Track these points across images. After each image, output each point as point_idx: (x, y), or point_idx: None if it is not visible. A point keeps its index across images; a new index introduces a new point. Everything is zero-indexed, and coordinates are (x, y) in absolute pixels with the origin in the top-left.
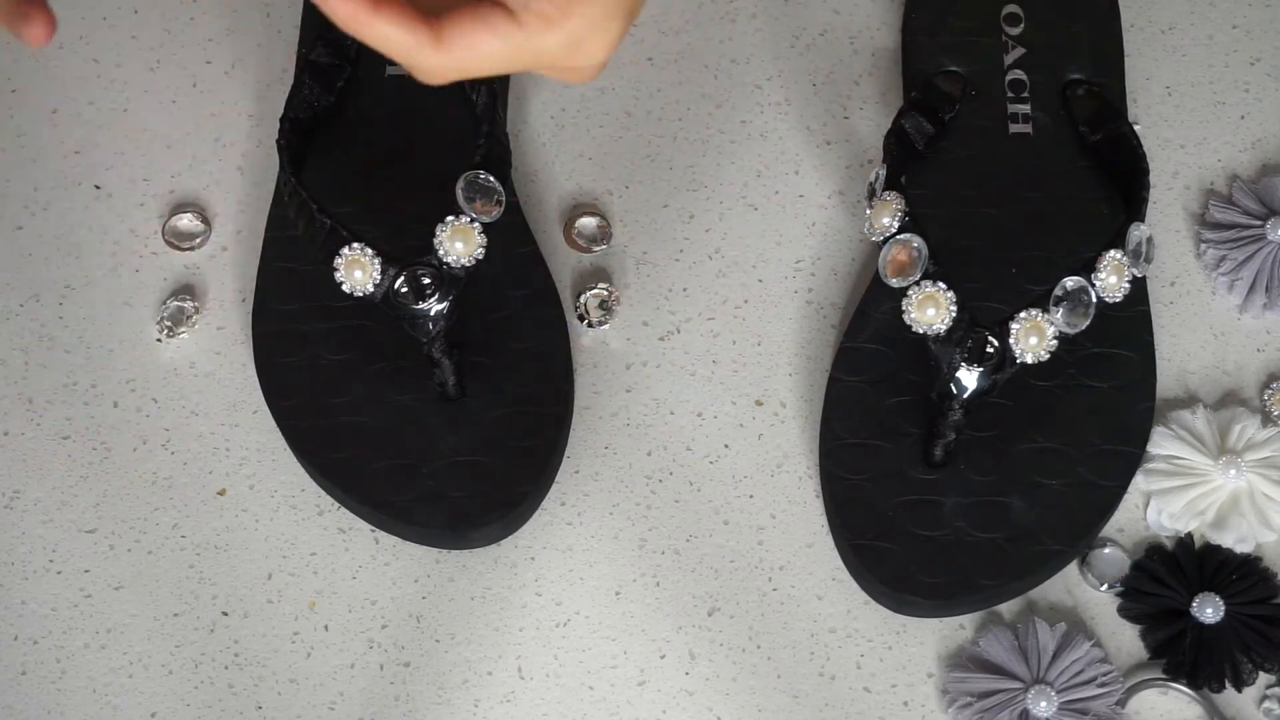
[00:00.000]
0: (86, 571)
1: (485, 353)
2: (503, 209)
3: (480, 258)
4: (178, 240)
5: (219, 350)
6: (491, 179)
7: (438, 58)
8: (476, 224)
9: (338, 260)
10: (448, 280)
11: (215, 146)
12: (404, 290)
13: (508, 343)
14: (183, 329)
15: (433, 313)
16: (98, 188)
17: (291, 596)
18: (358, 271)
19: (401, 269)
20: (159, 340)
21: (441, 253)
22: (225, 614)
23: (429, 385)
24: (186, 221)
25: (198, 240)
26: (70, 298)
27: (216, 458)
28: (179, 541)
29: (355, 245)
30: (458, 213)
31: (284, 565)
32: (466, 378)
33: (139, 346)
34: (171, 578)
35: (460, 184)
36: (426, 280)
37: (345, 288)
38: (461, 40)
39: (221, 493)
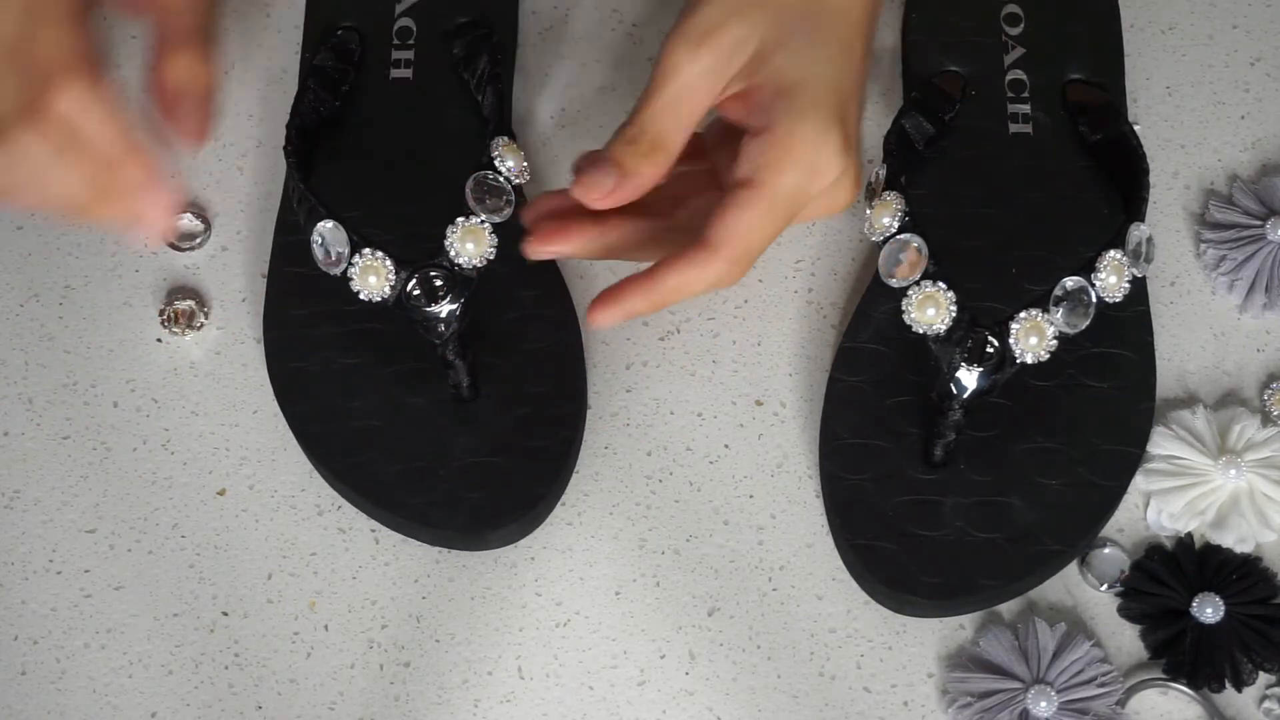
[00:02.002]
0: (86, 571)
1: (498, 353)
2: (513, 208)
3: (491, 258)
4: (178, 240)
5: (219, 350)
6: (500, 178)
7: (723, 267)
8: (487, 224)
9: (351, 269)
10: (459, 281)
11: (215, 146)
12: (416, 293)
13: (520, 343)
14: (190, 331)
15: (445, 314)
16: None
17: (291, 596)
18: (372, 277)
19: (413, 271)
20: (159, 340)
21: (453, 254)
22: (225, 614)
23: (442, 387)
24: (186, 221)
25: (198, 240)
26: (70, 298)
27: (216, 458)
28: (179, 541)
29: (368, 251)
30: (468, 213)
31: (284, 565)
32: (480, 379)
33: (139, 346)
34: (171, 578)
35: (469, 184)
36: (438, 282)
37: (362, 295)
38: (733, 238)
39: (221, 493)
